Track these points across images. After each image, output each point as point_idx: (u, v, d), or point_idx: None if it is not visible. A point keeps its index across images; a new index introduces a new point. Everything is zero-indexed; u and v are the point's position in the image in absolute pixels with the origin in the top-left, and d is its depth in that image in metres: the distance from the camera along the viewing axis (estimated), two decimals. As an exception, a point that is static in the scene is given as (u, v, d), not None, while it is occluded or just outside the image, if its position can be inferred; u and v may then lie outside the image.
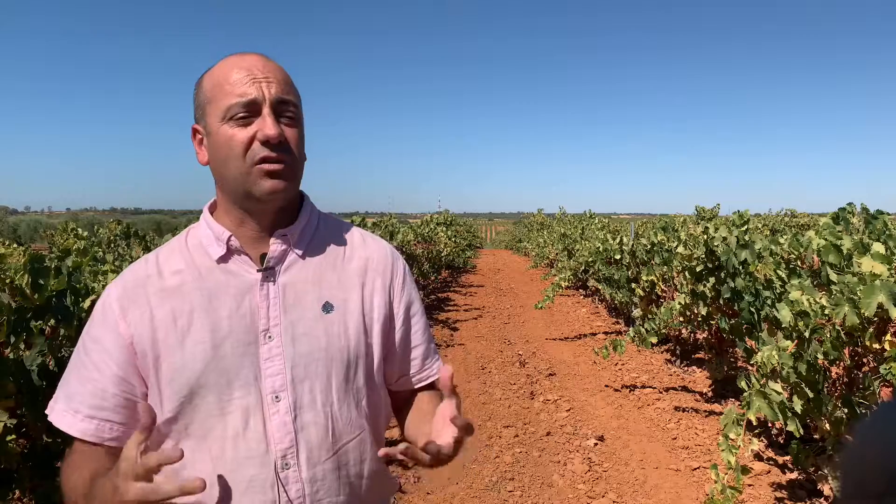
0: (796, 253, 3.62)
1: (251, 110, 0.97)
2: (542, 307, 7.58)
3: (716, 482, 2.61)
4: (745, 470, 2.60)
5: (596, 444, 4.16)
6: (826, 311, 2.72)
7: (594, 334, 7.93)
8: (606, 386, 5.55)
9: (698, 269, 4.63)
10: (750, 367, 4.33)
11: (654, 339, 5.06)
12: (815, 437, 3.23)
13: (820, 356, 2.79)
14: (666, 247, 6.02)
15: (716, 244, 4.48)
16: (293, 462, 0.96)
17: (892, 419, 0.48)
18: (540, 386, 5.58)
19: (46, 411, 1.01)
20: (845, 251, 3.05)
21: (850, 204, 3.45)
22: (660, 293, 6.30)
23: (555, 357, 6.72)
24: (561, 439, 4.28)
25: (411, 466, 0.93)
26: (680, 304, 4.81)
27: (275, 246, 1.02)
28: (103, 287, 2.32)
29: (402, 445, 0.90)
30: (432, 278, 11.53)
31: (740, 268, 4.29)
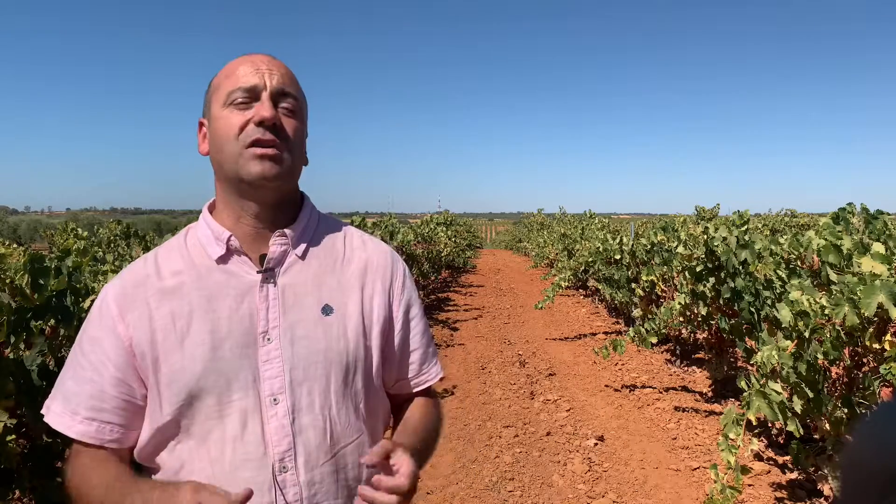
0: (796, 253, 3.62)
1: (251, 96, 0.98)
2: (542, 307, 7.58)
3: (716, 482, 2.61)
4: (744, 470, 2.60)
5: (596, 444, 4.16)
6: (826, 311, 2.71)
7: (594, 334, 7.93)
8: (606, 386, 5.55)
9: (698, 269, 4.63)
10: (750, 367, 4.33)
11: (654, 339, 5.06)
12: (815, 437, 3.23)
13: (820, 356, 2.79)
14: (666, 247, 6.02)
15: (716, 244, 4.48)
16: (291, 465, 0.95)
17: (892, 419, 0.48)
18: (540, 386, 5.58)
19: (42, 411, 1.00)
20: (845, 251, 3.05)
21: (850, 204, 3.44)
22: (660, 293, 6.30)
23: (555, 357, 6.72)
24: (561, 439, 4.28)
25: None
26: (680, 304, 4.81)
27: (274, 247, 1.01)
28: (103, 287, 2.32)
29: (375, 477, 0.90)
30: (432, 278, 11.53)
31: (740, 268, 4.29)
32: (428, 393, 1.18)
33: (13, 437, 1.99)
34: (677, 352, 6.22)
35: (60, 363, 2.15)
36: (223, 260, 1.00)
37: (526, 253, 22.48)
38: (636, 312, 6.82)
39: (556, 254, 13.16)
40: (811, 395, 2.82)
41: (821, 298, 2.81)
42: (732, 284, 4.30)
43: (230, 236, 1.00)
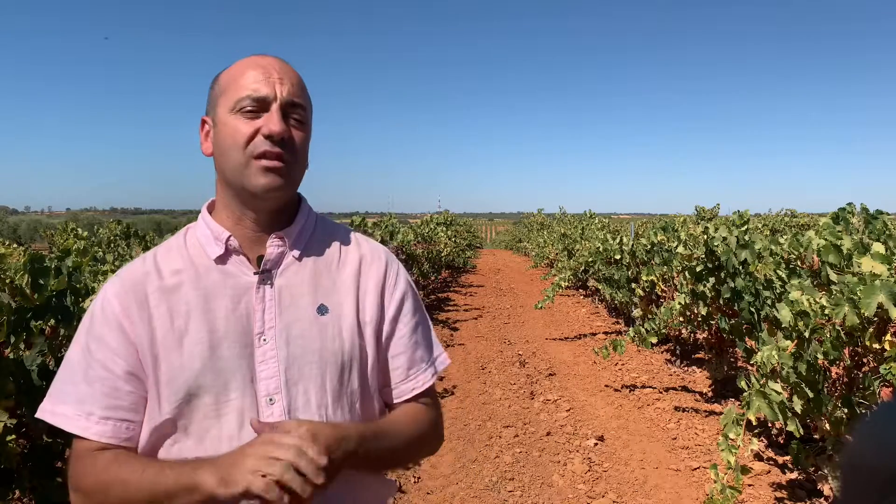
0: (796, 253, 3.62)
1: (261, 106, 0.98)
2: (541, 307, 7.58)
3: (715, 482, 2.61)
4: (744, 470, 2.60)
5: (596, 444, 4.16)
6: (826, 311, 2.71)
7: (594, 334, 7.93)
8: (606, 386, 5.55)
9: (698, 269, 4.63)
10: (750, 367, 4.33)
11: (654, 339, 5.05)
12: (815, 437, 3.23)
13: (820, 356, 2.79)
14: (666, 247, 6.02)
15: (716, 244, 4.47)
16: None
17: (892, 419, 0.48)
18: (540, 386, 5.58)
19: (40, 416, 0.96)
20: (845, 251, 3.05)
21: (850, 204, 3.44)
22: (660, 293, 6.30)
23: (555, 357, 6.72)
24: (561, 439, 4.28)
25: None
26: (680, 304, 4.81)
27: (272, 248, 1.02)
28: (103, 287, 2.32)
29: None
30: (432, 278, 11.53)
31: (740, 268, 4.29)
32: (421, 400, 1.10)
33: (13, 437, 1.99)
34: (677, 352, 6.22)
35: (60, 363, 2.15)
36: (222, 260, 1.01)
37: (526, 253, 22.48)
38: (636, 312, 6.82)
39: (556, 254, 13.16)
40: (811, 395, 2.82)
41: (821, 298, 2.81)
42: (732, 284, 4.30)
43: (229, 236, 1.01)
